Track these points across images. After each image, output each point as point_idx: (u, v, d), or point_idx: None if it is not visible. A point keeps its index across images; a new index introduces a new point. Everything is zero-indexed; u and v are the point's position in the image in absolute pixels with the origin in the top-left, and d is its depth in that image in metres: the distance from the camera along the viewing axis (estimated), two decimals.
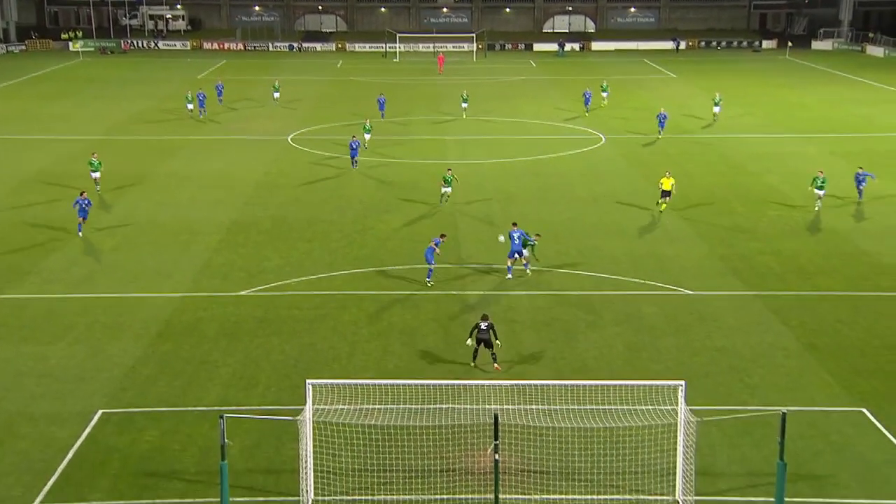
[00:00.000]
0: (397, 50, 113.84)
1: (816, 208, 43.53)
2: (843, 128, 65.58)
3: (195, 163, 55.38)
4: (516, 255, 35.04)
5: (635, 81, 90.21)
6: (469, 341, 27.68)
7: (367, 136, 57.32)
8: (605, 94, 73.00)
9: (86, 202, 40.33)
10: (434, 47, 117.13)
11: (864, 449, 23.27)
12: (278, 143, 60.77)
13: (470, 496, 20.97)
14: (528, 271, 35.34)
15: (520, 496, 20.92)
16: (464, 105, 69.17)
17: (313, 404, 21.08)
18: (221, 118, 69.27)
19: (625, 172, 52.66)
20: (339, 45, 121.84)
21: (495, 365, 27.24)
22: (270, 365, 28.15)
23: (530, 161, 55.44)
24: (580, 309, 32.38)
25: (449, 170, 45.23)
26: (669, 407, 21.68)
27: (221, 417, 18.70)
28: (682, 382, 20.84)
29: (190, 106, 68.80)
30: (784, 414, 18.85)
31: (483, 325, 27.10)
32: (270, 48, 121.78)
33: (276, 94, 75.63)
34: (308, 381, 21.04)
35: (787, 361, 28.30)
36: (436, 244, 34.44)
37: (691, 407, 21.01)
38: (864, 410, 25.16)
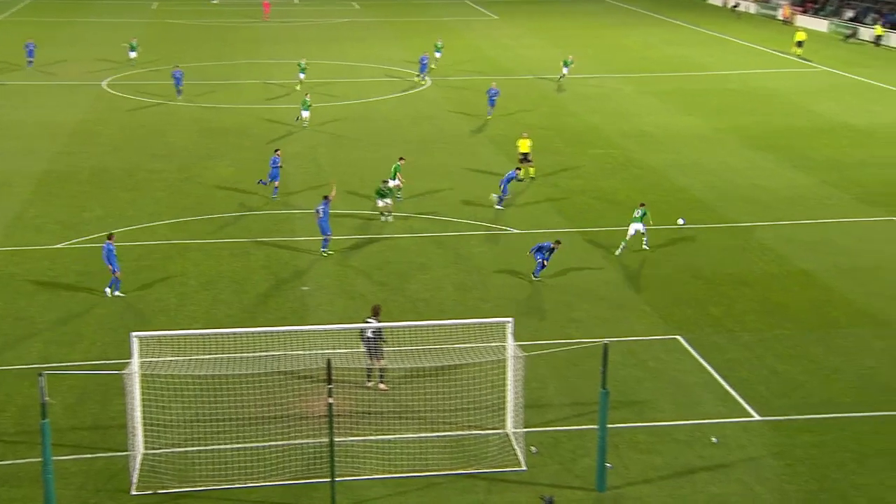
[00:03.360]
0: None
1: (642, 246, 32.91)
2: (659, 67, 68.02)
3: (1, 110, 52.27)
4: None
5: (459, 23, 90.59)
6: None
7: (306, 114, 48.57)
8: (437, 55, 66.67)
9: (109, 248, 28.51)
10: None
11: (679, 374, 24.62)
12: (92, 89, 58.04)
13: (305, 441, 21.00)
14: (389, 219, 35.26)
15: (355, 438, 21.11)
16: (301, 76, 58.84)
17: (140, 357, 20.53)
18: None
19: (450, 115, 53.07)
20: None
21: (381, 384, 23.32)
22: (94, 319, 27.19)
23: (357, 104, 55.06)
24: (410, 251, 32.66)
25: (401, 159, 38.03)
26: (499, 343, 22.23)
27: (41, 375, 17.97)
28: (511, 319, 21.40)
29: None
30: (606, 345, 19.63)
31: (370, 332, 22.56)
32: None
33: (133, 54, 65.95)
34: (133, 333, 20.45)
35: (609, 294, 29.48)
36: (324, 210, 31.65)
37: (520, 343, 21.62)
38: (679, 337, 26.57)
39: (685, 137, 48.59)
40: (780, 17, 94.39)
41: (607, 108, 54.88)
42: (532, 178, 40.56)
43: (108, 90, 58.03)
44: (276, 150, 38.53)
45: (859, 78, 65.00)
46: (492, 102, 51.27)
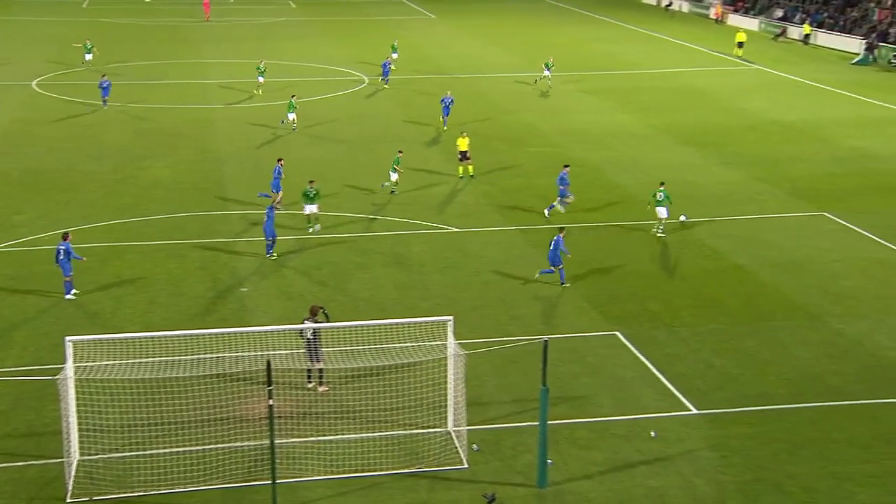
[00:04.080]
0: None
1: (659, 233, 34.50)
2: (593, 65, 68.65)
3: None
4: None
5: (396, 22, 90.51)
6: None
7: (292, 116, 48.04)
8: (394, 56, 65.28)
9: (67, 248, 28.17)
10: None
11: (617, 368, 24.91)
12: (22, 89, 56.86)
13: (245, 443, 20.85)
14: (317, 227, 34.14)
15: (296, 440, 21.01)
16: (260, 79, 56.93)
17: (75, 362, 20.19)
18: None
19: (389, 113, 53.00)
20: None
21: (320, 386, 23.24)
22: (27, 324, 26.67)
23: (299, 103, 54.61)
24: (350, 251, 32.56)
25: (400, 152, 38.68)
26: (439, 342, 22.28)
27: None
28: (450, 318, 21.45)
29: None
30: (546, 342, 19.78)
31: (309, 334, 22.43)
32: None
33: (89, 56, 63.60)
34: (67, 338, 20.10)
35: (549, 291, 29.69)
36: (270, 214, 31.07)
37: (460, 341, 21.68)
38: (618, 333, 26.88)
39: (621, 135, 49.14)
40: (713, 16, 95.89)
41: (543, 106, 55.27)
42: (472, 176, 40.71)
43: (39, 90, 56.89)
44: (278, 160, 37.07)
45: (789, 76, 66.35)
46: (446, 111, 49.26)
